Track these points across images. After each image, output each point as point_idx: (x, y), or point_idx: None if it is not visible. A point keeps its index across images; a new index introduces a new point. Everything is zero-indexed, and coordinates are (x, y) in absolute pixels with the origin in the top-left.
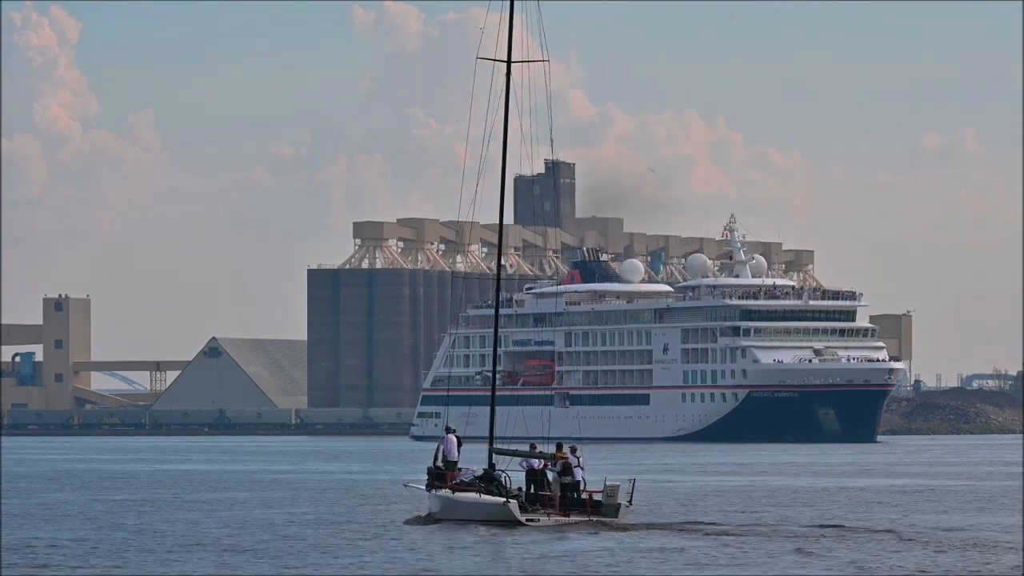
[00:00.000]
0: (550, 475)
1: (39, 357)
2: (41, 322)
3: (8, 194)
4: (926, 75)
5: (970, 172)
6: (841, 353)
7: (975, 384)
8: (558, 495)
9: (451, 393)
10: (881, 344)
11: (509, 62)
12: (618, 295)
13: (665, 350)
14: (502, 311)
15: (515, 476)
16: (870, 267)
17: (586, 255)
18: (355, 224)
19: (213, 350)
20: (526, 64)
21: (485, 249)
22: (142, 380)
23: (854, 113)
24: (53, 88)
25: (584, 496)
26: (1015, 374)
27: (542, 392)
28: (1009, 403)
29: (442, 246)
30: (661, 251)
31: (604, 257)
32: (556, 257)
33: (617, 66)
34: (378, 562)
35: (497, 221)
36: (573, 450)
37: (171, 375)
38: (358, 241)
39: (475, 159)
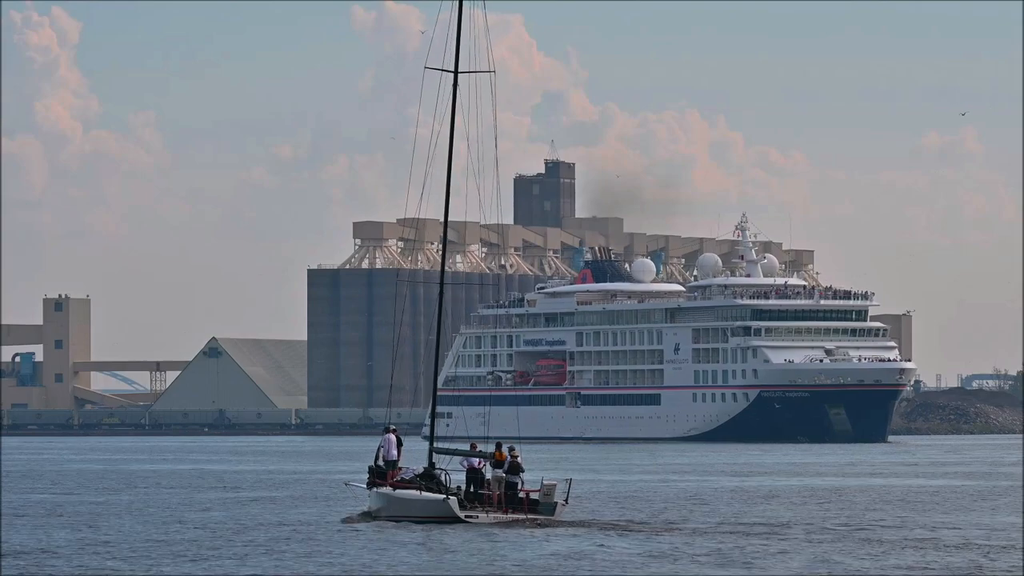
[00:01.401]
0: (488, 473)
1: (39, 357)
2: (41, 322)
3: (8, 194)
4: (926, 75)
5: (970, 172)
6: (852, 353)
7: (975, 384)
8: (496, 493)
9: (463, 393)
10: (893, 344)
11: (456, 72)
12: (629, 295)
13: (676, 350)
14: (514, 311)
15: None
16: (870, 267)
17: (597, 254)
18: (355, 224)
19: (213, 350)
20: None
21: (485, 249)
22: (142, 380)
23: (854, 113)
24: (54, 88)
25: (522, 495)
26: (1015, 374)
27: (554, 392)
28: (1009, 403)
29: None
30: (661, 251)
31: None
32: (556, 257)
33: (617, 66)
34: (306, 560)
35: (497, 222)
36: (511, 450)
37: (171, 375)
38: (358, 241)
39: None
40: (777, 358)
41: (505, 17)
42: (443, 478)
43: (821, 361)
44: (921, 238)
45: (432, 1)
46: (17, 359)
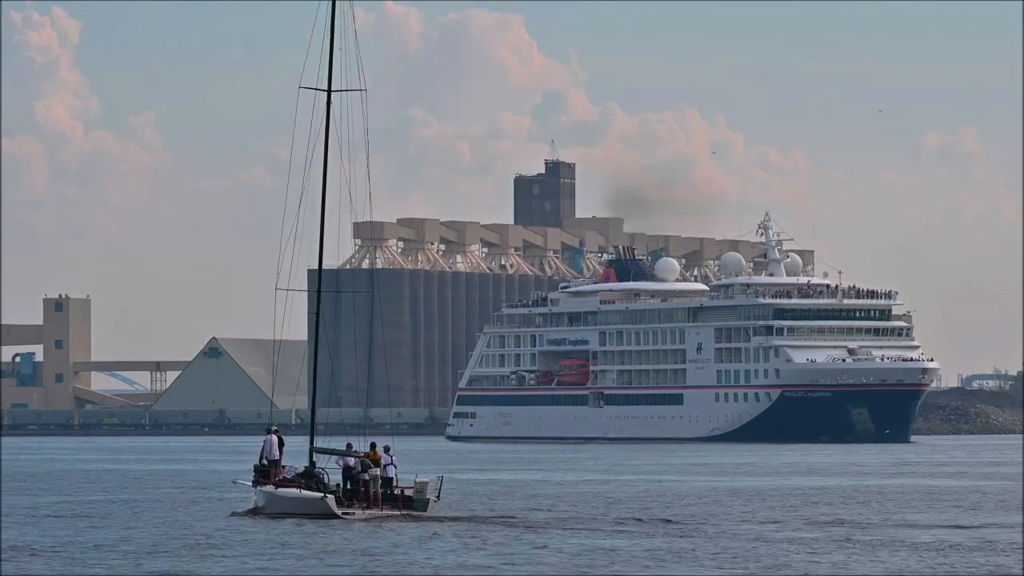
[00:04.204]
0: (365, 471)
1: (39, 357)
2: (41, 322)
3: (8, 194)
4: (926, 75)
5: (970, 172)
6: (875, 352)
7: (975, 384)
8: (373, 490)
9: (486, 393)
10: (916, 343)
11: (329, 91)
12: (652, 294)
13: (699, 349)
14: (537, 310)
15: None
16: (870, 267)
17: (621, 253)
18: (355, 224)
19: (213, 350)
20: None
21: (485, 249)
22: (142, 380)
23: (854, 113)
24: (54, 88)
25: (396, 491)
26: (1015, 374)
27: (577, 392)
28: (1009, 403)
29: (442, 246)
30: (661, 251)
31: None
32: (556, 257)
33: (617, 66)
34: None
35: (496, 221)
36: (387, 449)
37: (171, 375)
38: (358, 241)
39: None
40: (800, 358)
41: (505, 17)
42: (323, 477)
43: (844, 361)
44: (921, 238)
45: (444, 1)
46: (17, 359)
